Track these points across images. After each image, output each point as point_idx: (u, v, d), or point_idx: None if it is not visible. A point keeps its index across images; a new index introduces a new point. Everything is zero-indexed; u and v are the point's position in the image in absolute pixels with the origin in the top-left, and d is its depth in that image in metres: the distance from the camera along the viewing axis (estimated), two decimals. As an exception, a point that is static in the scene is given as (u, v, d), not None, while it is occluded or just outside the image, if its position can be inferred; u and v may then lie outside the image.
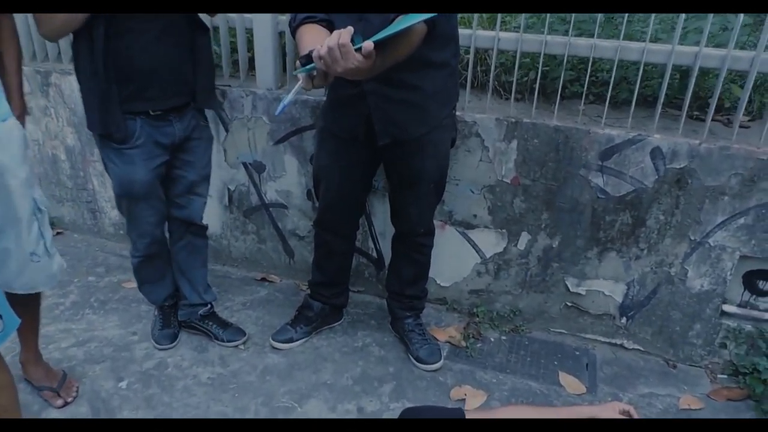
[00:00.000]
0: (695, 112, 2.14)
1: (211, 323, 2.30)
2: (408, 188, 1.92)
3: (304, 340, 2.25)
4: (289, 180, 2.44)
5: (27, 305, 1.80)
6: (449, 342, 2.26)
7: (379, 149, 1.83)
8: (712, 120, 1.95)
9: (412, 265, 2.12)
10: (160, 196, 2.02)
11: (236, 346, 2.24)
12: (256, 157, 2.44)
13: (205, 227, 2.23)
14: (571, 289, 2.22)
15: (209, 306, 2.30)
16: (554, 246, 2.18)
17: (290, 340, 2.22)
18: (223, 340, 2.25)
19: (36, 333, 1.97)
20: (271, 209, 2.54)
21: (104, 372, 2.09)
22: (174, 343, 2.22)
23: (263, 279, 2.66)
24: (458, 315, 2.43)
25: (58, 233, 3.04)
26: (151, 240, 2.07)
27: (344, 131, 1.85)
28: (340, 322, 2.36)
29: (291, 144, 2.36)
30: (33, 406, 1.93)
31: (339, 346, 2.25)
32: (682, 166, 1.92)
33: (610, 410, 1.89)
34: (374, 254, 2.47)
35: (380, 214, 2.36)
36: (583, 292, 2.21)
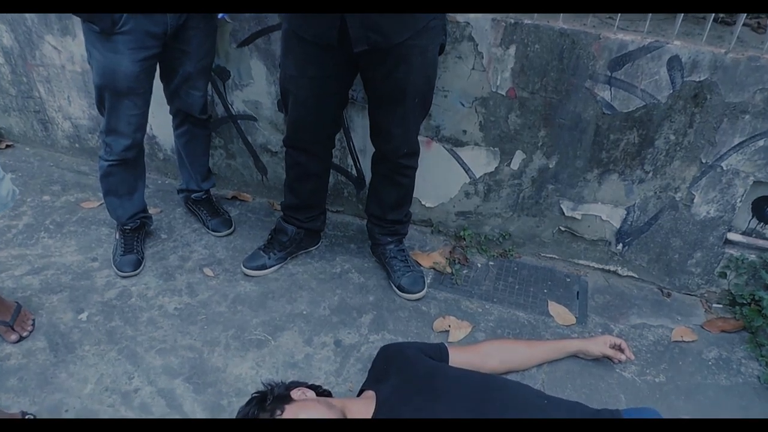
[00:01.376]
0: (720, 15, 1.86)
1: (202, 208, 2.29)
2: (389, 104, 1.68)
3: (278, 266, 2.09)
4: (257, 89, 2.16)
5: None
6: (433, 268, 2.12)
7: (356, 56, 1.56)
8: (742, 25, 1.68)
9: (394, 189, 1.92)
10: (145, 94, 1.83)
11: (220, 237, 2.25)
12: (218, 61, 2.14)
13: (206, 119, 2.10)
14: (566, 213, 2.05)
15: (203, 192, 2.27)
16: (551, 167, 1.98)
17: (263, 267, 2.07)
18: (209, 228, 2.26)
19: (-18, 262, 1.79)
20: (239, 121, 2.29)
21: (62, 303, 1.94)
22: (137, 271, 2.06)
23: (234, 197, 2.46)
24: (444, 238, 2.27)
25: (7, 146, 2.78)
26: (130, 143, 1.88)
27: (313, 35, 1.56)
28: (317, 246, 2.20)
29: (257, 46, 2.06)
30: (-14, 341, 1.80)
31: (316, 272, 2.11)
32: (702, 78, 1.68)
33: (600, 344, 1.80)
34: (354, 172, 2.26)
35: (360, 128, 2.13)
36: (579, 217, 2.05)
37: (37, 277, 2.04)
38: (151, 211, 2.32)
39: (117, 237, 2.11)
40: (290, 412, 1.35)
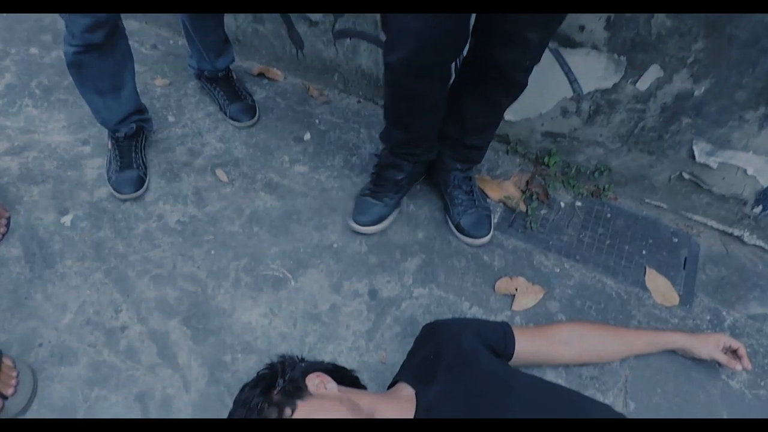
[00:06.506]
0: None
1: (219, 89, 1.80)
2: None
3: (396, 212, 1.60)
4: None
5: None
6: (504, 203, 1.66)
7: None
8: None
9: (488, 109, 1.37)
10: None
11: (241, 128, 1.79)
12: None
13: None
14: (696, 158, 1.51)
15: (220, 70, 1.77)
16: (696, 93, 1.40)
17: (381, 219, 1.56)
18: (226, 115, 1.79)
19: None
20: (271, -26, 1.70)
21: (44, 198, 1.59)
22: (140, 191, 1.60)
23: (261, 74, 1.96)
24: (521, 161, 1.77)
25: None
26: (92, 22, 1.28)
27: None
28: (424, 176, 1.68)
29: None
30: (-47, 237, 1.49)
31: (355, 189, 1.67)
32: None
33: (710, 344, 1.36)
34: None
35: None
36: (714, 165, 1.51)
37: (17, 159, 1.67)
38: (157, 82, 1.87)
39: (109, 146, 1.63)
40: (302, 414, 1.02)
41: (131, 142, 1.60)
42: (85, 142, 1.72)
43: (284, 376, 1.10)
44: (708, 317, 1.48)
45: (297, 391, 1.07)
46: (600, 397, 1.32)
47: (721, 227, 1.64)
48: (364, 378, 1.23)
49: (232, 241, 1.54)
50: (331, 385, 1.11)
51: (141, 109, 1.60)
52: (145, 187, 1.61)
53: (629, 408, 1.32)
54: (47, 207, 1.56)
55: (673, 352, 1.39)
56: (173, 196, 1.62)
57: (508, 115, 1.69)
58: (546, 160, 1.72)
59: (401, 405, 1.10)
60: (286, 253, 1.53)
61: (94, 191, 1.61)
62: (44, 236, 1.51)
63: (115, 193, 1.58)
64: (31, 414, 1.25)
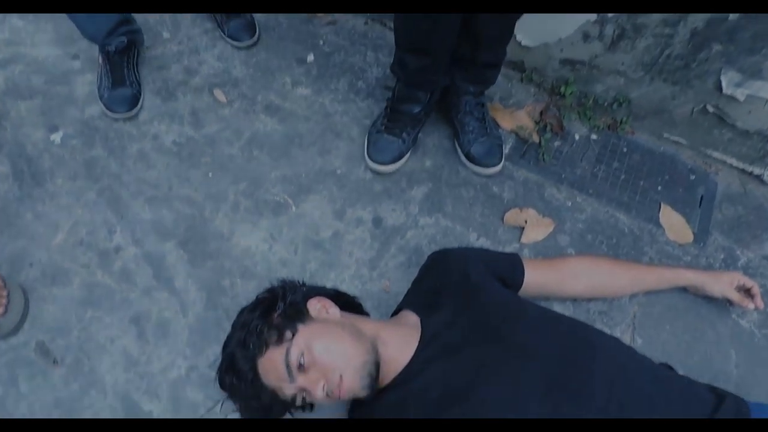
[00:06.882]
0: None
1: None
2: None
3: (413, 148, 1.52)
4: None
5: None
6: (516, 133, 1.58)
7: None
8: None
9: (502, 19, 1.28)
10: None
11: (240, 48, 1.67)
12: None
13: None
14: (724, 89, 1.42)
15: None
16: (730, 17, 1.30)
17: (400, 156, 1.47)
18: (225, 34, 1.68)
19: None
20: None
21: (32, 114, 1.50)
22: (134, 110, 1.50)
23: (263, -10, 1.83)
24: (536, 90, 1.68)
25: None
26: None
27: None
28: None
29: None
30: (-63, 152, 1.42)
31: (360, 115, 1.59)
32: None
33: (724, 282, 1.32)
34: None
35: None
36: (742, 97, 1.42)
37: (2, 72, 1.57)
38: (151, -5, 1.74)
39: (100, 62, 1.52)
40: (303, 337, 0.99)
41: (123, 58, 1.50)
42: (75, 57, 1.61)
43: (285, 300, 1.06)
44: (722, 256, 1.44)
45: (298, 314, 1.03)
46: (608, 332, 1.29)
47: (741, 165, 1.57)
48: (367, 306, 1.20)
49: (231, 163, 1.47)
50: (333, 310, 1.07)
51: (128, 20, 1.49)
52: (139, 105, 1.52)
53: (637, 343, 1.29)
54: (36, 123, 1.48)
55: (683, 290, 1.35)
56: (169, 116, 1.53)
57: (525, 39, 1.59)
58: (562, 89, 1.63)
59: (406, 331, 1.07)
60: (287, 178, 1.46)
61: (85, 108, 1.52)
62: (33, 153, 1.44)
63: (108, 112, 1.49)
64: (24, 334, 1.22)
